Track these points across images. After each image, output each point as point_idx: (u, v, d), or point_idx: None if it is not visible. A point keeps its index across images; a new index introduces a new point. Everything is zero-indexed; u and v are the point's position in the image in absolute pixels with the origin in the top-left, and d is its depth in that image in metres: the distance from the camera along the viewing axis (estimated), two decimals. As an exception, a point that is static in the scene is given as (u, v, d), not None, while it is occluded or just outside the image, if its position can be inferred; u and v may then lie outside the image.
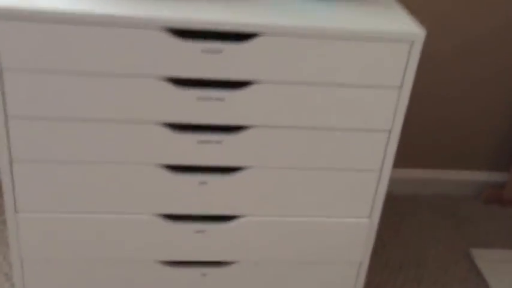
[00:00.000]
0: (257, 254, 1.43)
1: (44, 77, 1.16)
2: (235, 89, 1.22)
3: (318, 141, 1.29)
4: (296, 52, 1.19)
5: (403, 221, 2.02)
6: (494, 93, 2.00)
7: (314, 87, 1.23)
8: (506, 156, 2.13)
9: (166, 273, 1.44)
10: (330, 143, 1.30)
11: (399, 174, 2.12)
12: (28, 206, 1.30)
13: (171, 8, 1.17)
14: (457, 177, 2.15)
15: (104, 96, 1.19)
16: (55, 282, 1.41)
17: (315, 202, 1.37)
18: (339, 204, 1.38)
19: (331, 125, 1.28)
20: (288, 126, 1.27)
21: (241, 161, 1.30)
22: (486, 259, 1.86)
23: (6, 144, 1.22)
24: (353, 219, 1.41)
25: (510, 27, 1.89)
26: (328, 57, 1.20)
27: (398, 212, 2.05)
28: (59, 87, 1.18)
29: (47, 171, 1.26)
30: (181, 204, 1.34)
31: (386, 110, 1.27)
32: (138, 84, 1.19)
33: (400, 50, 1.21)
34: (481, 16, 1.86)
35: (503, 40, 1.90)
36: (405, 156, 2.09)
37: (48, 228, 1.33)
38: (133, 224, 1.35)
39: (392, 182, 2.12)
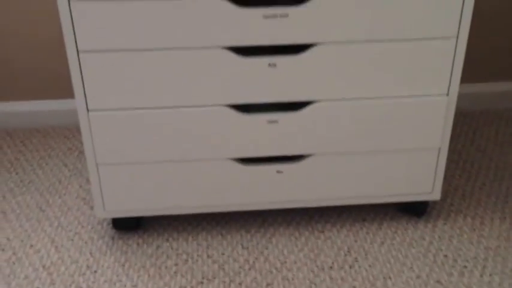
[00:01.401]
0: (332, 145, 1.38)
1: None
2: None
3: (391, 9, 1.24)
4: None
5: (476, 132, 1.93)
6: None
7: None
8: None
9: (241, 172, 1.40)
10: (404, 10, 1.24)
11: (470, 89, 2.04)
12: (99, 103, 1.28)
13: None
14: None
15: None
16: (130, 188, 1.39)
17: (389, 79, 1.32)
18: (416, 80, 1.32)
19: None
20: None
21: (310, 37, 1.25)
22: None
23: (71, 30, 1.20)
24: (431, 98, 1.35)
25: None
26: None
27: (472, 125, 1.97)
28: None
29: (113, 62, 1.24)
30: (251, 92, 1.30)
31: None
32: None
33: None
34: None
35: None
36: (475, 71, 2.01)
37: (121, 127, 1.31)
38: (207, 116, 1.31)
39: (465, 97, 2.04)
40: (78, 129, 1.95)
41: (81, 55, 1.22)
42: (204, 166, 1.38)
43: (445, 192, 1.65)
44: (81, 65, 1.23)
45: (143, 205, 1.42)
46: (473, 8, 1.88)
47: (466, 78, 2.03)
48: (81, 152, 1.83)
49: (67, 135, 1.92)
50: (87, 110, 1.29)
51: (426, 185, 1.47)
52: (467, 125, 1.98)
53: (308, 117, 1.34)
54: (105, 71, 1.24)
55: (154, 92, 1.28)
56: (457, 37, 1.28)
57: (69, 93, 1.91)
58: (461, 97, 2.04)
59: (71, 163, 1.78)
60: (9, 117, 1.92)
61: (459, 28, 1.27)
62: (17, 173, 1.73)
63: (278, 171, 1.41)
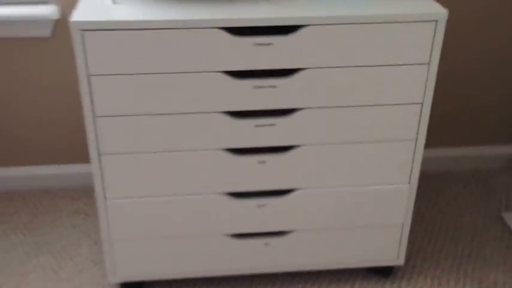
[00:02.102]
0: (312, 222, 1.63)
1: (122, 79, 1.38)
2: (286, 77, 1.42)
3: (359, 117, 1.49)
4: (337, 38, 1.39)
5: (438, 194, 2.19)
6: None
7: (354, 69, 1.43)
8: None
9: (234, 245, 1.64)
10: (370, 118, 1.49)
11: (432, 154, 2.29)
12: (115, 193, 1.51)
13: (224, 10, 1.38)
14: (486, 152, 2.32)
15: (175, 92, 1.40)
16: (138, 258, 1.62)
17: (360, 172, 1.57)
18: (382, 172, 1.57)
19: (371, 101, 1.47)
20: (333, 107, 1.47)
21: (293, 140, 1.50)
22: (517, 220, 2.03)
23: (94, 139, 1.43)
24: (395, 186, 1.60)
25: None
26: (364, 41, 1.40)
27: (434, 188, 2.23)
28: (136, 87, 1.39)
29: (129, 162, 1.48)
30: (244, 183, 1.55)
31: (418, 84, 1.47)
32: (202, 79, 1.40)
33: (427, 28, 1.40)
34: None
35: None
36: (436, 136, 2.27)
37: (131, 212, 1.54)
38: (206, 202, 1.56)
39: (426, 161, 2.30)
40: (83, 192, 2.16)
41: (102, 157, 1.46)
42: (202, 241, 1.62)
43: (409, 254, 1.90)
44: (102, 166, 1.47)
45: (149, 271, 1.65)
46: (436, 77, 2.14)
47: (429, 143, 2.29)
48: (87, 215, 2.05)
49: (73, 197, 2.14)
50: (105, 199, 1.52)
51: (392, 253, 1.72)
52: (431, 187, 2.23)
53: (292, 201, 1.59)
54: (124, 171, 1.48)
55: (164, 184, 1.52)
56: (416, 140, 1.54)
57: (74, 159, 2.13)
58: (426, 160, 2.30)
59: (78, 225, 2.00)
60: (22, 181, 2.13)
61: (418, 132, 1.53)
62: (31, 236, 1.95)
63: (266, 244, 1.66)
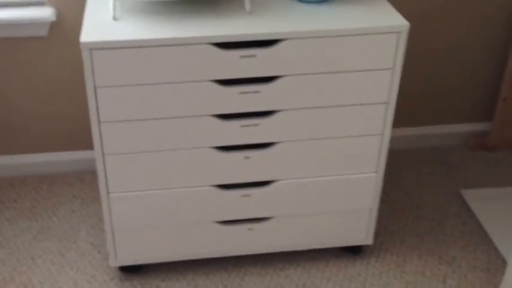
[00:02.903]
0: (290, 209, 1.84)
1: (124, 90, 1.56)
2: (268, 83, 1.61)
3: (333, 116, 1.69)
4: (312, 50, 1.58)
5: (402, 173, 2.41)
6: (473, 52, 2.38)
7: (327, 75, 1.63)
8: (488, 107, 2.50)
9: (222, 230, 1.85)
10: (342, 116, 1.69)
11: (397, 133, 2.51)
12: (117, 188, 1.71)
13: (212, 27, 1.56)
14: (447, 130, 2.53)
15: (170, 99, 1.59)
16: (137, 245, 1.83)
17: (333, 164, 1.78)
18: (353, 163, 1.78)
19: (342, 102, 1.67)
20: (309, 108, 1.66)
21: (274, 137, 1.70)
22: (475, 197, 2.26)
23: (99, 142, 1.62)
24: (364, 175, 1.82)
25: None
26: (336, 51, 1.59)
27: (398, 165, 2.45)
28: (136, 97, 1.57)
29: (130, 161, 1.67)
30: (231, 176, 1.75)
31: (384, 86, 1.67)
32: (194, 88, 1.59)
33: (391, 39, 1.60)
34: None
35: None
36: (402, 117, 2.48)
37: (131, 204, 1.74)
38: (197, 194, 1.76)
39: (392, 139, 2.51)
40: (78, 177, 2.34)
41: (106, 157, 1.65)
42: (193, 227, 1.82)
43: (377, 232, 2.13)
44: (105, 165, 1.66)
45: (146, 255, 1.85)
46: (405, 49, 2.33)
47: (395, 123, 2.50)
48: (83, 199, 2.24)
49: (69, 182, 2.32)
50: (108, 193, 1.71)
51: (362, 234, 1.94)
52: (396, 165, 2.45)
53: (273, 191, 1.79)
54: (124, 168, 1.67)
55: (161, 179, 1.71)
56: (383, 134, 1.75)
57: (69, 146, 2.30)
58: (391, 139, 2.51)
59: (77, 209, 2.19)
60: (22, 167, 2.31)
61: (384, 126, 1.74)
62: (37, 221, 2.13)
63: (250, 229, 1.87)
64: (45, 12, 2.00)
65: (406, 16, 2.21)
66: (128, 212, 1.75)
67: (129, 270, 1.93)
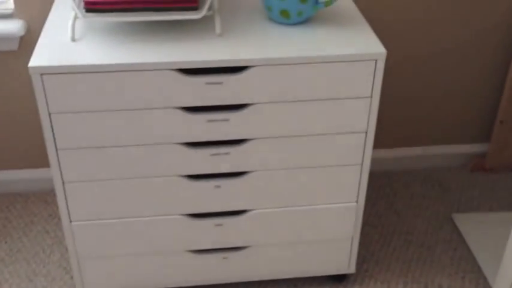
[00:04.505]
0: (267, 239, 1.74)
1: (82, 116, 1.47)
2: (237, 110, 1.52)
3: (309, 145, 1.59)
4: (283, 77, 1.48)
5: (396, 194, 2.31)
6: (473, 69, 2.26)
7: (301, 103, 1.52)
8: (486, 128, 2.39)
9: (194, 260, 1.75)
10: (318, 146, 1.59)
11: (393, 154, 2.40)
12: (80, 216, 1.62)
13: (178, 51, 1.46)
14: (444, 151, 2.42)
15: (132, 126, 1.49)
16: (105, 273, 1.74)
17: (311, 193, 1.67)
18: (331, 193, 1.68)
19: (317, 131, 1.57)
20: (280, 136, 1.56)
21: (246, 167, 1.60)
22: (466, 222, 2.15)
23: (58, 169, 1.53)
24: (344, 204, 1.71)
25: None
26: (310, 78, 1.49)
27: (393, 187, 2.34)
28: (95, 123, 1.48)
29: (92, 188, 1.58)
30: (202, 205, 1.65)
31: (362, 115, 1.56)
32: (158, 115, 1.49)
33: (367, 66, 1.49)
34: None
35: (480, 11, 2.15)
36: (398, 136, 2.37)
37: (96, 233, 1.65)
38: (168, 223, 1.66)
39: (388, 160, 2.40)
40: (55, 195, 2.26)
41: (66, 185, 1.56)
42: (164, 257, 1.73)
43: (362, 258, 2.03)
44: (66, 193, 1.57)
45: (117, 284, 1.77)
46: (384, 73, 2.23)
47: (392, 143, 2.39)
48: (60, 219, 2.16)
49: (47, 200, 2.24)
50: (70, 221, 1.62)
51: (344, 263, 1.84)
52: (390, 186, 2.35)
53: (247, 220, 1.70)
54: (87, 196, 1.58)
55: (126, 208, 1.62)
56: (362, 164, 1.65)
57: (46, 163, 2.22)
58: (387, 160, 2.41)
59: (52, 230, 2.11)
60: (-4, 185, 2.23)
61: (363, 158, 1.63)
62: (6, 242, 2.05)
63: (224, 258, 1.77)
64: (14, 26, 1.91)
65: (402, 32, 2.10)
66: (93, 240, 1.67)
67: (100, 298, 1.85)
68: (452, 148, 2.43)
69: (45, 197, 2.25)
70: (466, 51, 2.20)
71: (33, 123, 2.14)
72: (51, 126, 1.47)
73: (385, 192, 2.31)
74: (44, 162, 2.23)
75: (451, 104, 2.32)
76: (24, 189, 2.26)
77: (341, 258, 1.83)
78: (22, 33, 1.91)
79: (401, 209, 2.24)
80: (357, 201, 1.72)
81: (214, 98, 1.49)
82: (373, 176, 2.39)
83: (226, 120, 1.52)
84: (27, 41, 1.98)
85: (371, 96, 1.54)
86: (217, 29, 1.53)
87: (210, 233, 1.71)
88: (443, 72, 2.24)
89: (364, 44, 1.51)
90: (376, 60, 1.49)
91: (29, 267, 1.96)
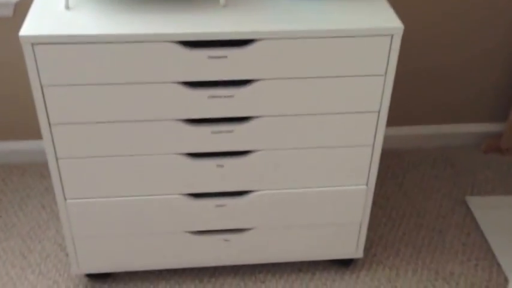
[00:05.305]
0: (271, 221, 1.66)
1: (76, 90, 1.37)
2: (242, 86, 1.42)
3: (318, 124, 1.49)
4: (292, 51, 1.38)
5: (406, 174, 2.22)
6: (488, 47, 2.16)
7: (311, 80, 1.43)
8: (502, 107, 2.29)
9: (194, 241, 1.67)
10: (328, 125, 1.50)
11: (403, 131, 2.30)
12: (75, 193, 1.54)
13: (179, 23, 1.36)
14: (457, 130, 2.33)
15: (130, 100, 1.40)
16: (101, 252, 1.66)
17: (320, 175, 1.58)
18: (341, 175, 1.59)
19: (326, 110, 1.47)
20: (288, 115, 1.47)
21: (251, 146, 1.51)
22: (480, 205, 2.06)
23: (51, 146, 1.44)
24: (353, 187, 1.62)
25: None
26: (320, 53, 1.39)
27: (403, 167, 2.25)
28: (91, 97, 1.39)
29: (88, 165, 1.49)
30: (203, 184, 1.56)
31: (375, 94, 1.46)
32: (157, 90, 1.40)
33: (382, 42, 1.39)
34: None
35: None
36: (409, 114, 2.27)
37: (92, 211, 1.57)
38: (166, 203, 1.58)
39: (398, 138, 2.31)
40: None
41: (60, 161, 1.47)
42: (163, 238, 1.65)
43: (371, 241, 1.94)
44: (60, 169, 1.48)
45: (113, 264, 1.69)
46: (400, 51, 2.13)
47: (402, 121, 2.29)
48: (57, 192, 2.08)
49: (43, 173, 2.16)
50: (65, 199, 1.54)
51: (351, 247, 1.76)
52: (400, 166, 2.26)
53: (250, 201, 1.61)
54: (82, 174, 1.50)
55: (124, 186, 1.54)
56: (373, 145, 1.55)
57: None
58: (397, 138, 2.31)
59: (48, 205, 2.03)
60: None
61: (375, 138, 1.54)
62: (1, 217, 1.98)
63: (225, 240, 1.69)
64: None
65: (418, 5, 1.99)
66: (88, 219, 1.59)
67: (96, 278, 1.77)
68: (465, 127, 2.33)
69: (42, 170, 2.17)
70: (482, 28, 2.09)
71: (30, 93, 2.05)
72: (44, 100, 1.38)
73: (394, 172, 2.22)
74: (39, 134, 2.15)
75: (466, 81, 2.21)
76: (21, 161, 2.18)
77: (348, 242, 1.75)
78: (17, -1, 1.82)
79: (411, 191, 2.15)
80: (367, 184, 1.63)
81: (218, 73, 1.39)
82: (382, 155, 2.30)
83: (230, 96, 1.43)
84: (23, 8, 1.88)
85: (385, 74, 1.44)
86: (222, 0, 1.43)
87: (210, 214, 1.63)
88: (458, 48, 2.13)
89: (379, 18, 1.40)
90: (392, 36, 1.38)
91: (24, 243, 1.89)
